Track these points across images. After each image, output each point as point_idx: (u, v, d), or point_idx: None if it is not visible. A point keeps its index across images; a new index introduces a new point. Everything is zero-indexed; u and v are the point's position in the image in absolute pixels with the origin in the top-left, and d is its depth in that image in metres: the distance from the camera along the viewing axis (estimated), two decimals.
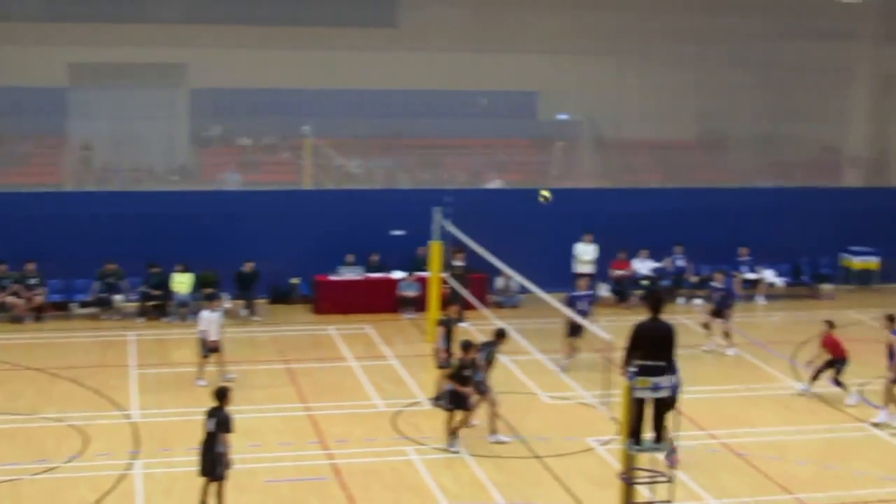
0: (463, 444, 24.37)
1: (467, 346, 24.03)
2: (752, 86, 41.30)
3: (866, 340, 33.06)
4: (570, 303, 29.09)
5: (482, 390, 24.35)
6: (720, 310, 31.62)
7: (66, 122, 39.62)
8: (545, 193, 30.65)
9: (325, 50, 37.91)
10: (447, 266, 32.84)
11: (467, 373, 23.69)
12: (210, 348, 27.69)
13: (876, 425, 26.07)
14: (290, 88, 38.90)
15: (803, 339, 32.49)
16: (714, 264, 37.11)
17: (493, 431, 24.52)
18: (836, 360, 27.61)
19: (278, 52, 37.99)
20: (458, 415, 23.84)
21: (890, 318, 26.79)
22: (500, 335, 25.11)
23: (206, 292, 31.83)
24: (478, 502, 21.72)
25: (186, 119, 39.70)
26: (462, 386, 23.65)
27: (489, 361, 24.64)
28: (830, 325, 28.02)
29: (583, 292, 30.27)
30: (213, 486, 20.23)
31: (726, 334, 31.46)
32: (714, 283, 32.25)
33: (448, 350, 25.98)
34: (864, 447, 24.99)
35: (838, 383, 27.59)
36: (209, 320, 27.77)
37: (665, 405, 18.30)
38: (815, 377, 27.81)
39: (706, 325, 31.91)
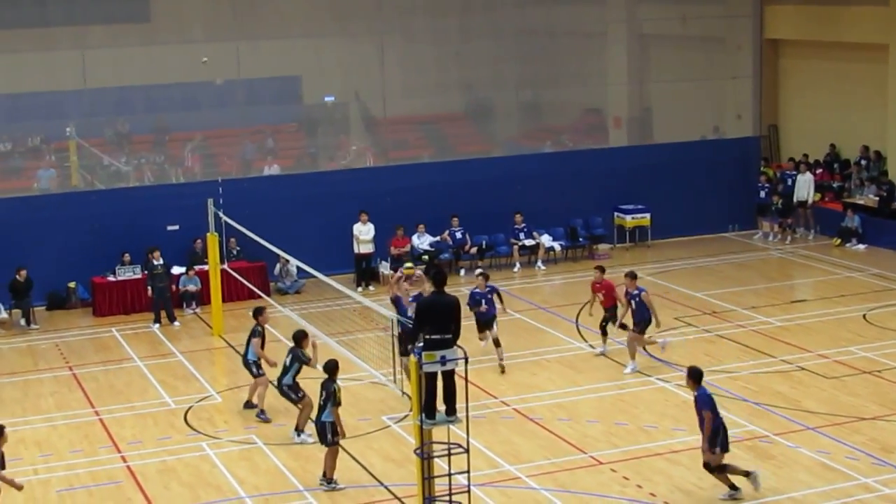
0: (256, 433, 24.32)
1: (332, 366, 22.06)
2: (512, 54, 41.72)
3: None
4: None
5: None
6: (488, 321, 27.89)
7: None
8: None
9: (80, 49, 37.15)
10: (228, 257, 32.70)
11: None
12: None
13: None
14: (48, 91, 38.04)
15: (586, 300, 33.12)
16: (491, 233, 37.69)
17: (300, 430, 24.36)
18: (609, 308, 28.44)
19: (32, 55, 37.09)
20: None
21: (632, 276, 27.73)
22: (301, 336, 24.18)
23: None
24: (277, 491, 21.69)
25: None
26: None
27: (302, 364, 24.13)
28: (602, 270, 28.84)
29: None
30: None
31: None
32: (477, 290, 28.12)
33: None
34: (651, 400, 25.62)
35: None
36: None
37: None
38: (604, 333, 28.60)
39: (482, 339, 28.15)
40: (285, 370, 23.86)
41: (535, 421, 24.56)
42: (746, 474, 20.77)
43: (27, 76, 37.22)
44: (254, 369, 25.43)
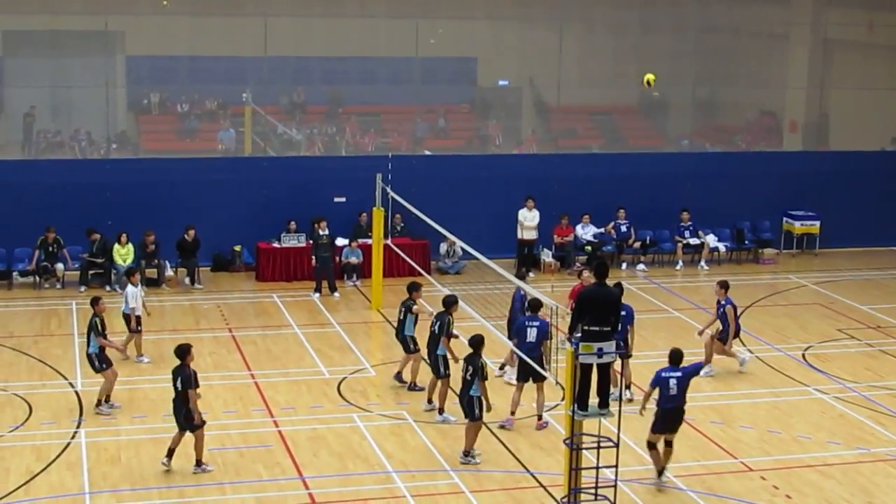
0: (407, 409, 24.42)
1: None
2: (691, 51, 41.39)
3: (809, 305, 33.42)
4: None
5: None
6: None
7: (1, 91, 39.00)
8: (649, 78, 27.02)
9: (263, 17, 37.70)
10: (392, 232, 32.93)
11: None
12: (138, 322, 27.05)
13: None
14: (228, 56, 38.66)
15: (748, 304, 32.68)
16: (656, 229, 37.36)
17: (441, 410, 24.36)
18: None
19: (215, 20, 37.74)
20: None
21: (723, 286, 26.89)
22: (451, 303, 24.57)
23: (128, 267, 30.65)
24: (423, 469, 21.75)
25: (124, 86, 39.33)
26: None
27: (446, 333, 24.27)
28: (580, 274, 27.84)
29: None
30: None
31: None
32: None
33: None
34: (808, 411, 25.17)
35: None
36: (135, 295, 26.93)
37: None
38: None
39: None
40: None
41: (687, 422, 24.20)
42: None
43: (209, 40, 37.90)
44: (410, 345, 25.55)
